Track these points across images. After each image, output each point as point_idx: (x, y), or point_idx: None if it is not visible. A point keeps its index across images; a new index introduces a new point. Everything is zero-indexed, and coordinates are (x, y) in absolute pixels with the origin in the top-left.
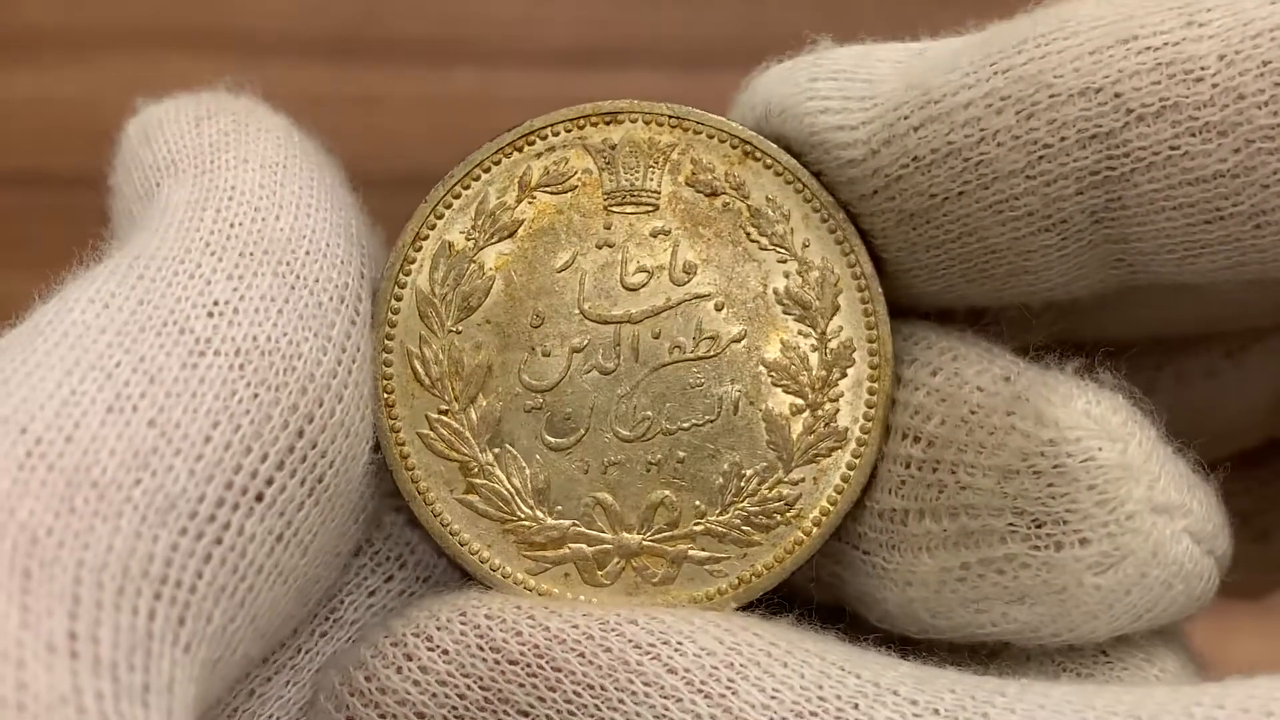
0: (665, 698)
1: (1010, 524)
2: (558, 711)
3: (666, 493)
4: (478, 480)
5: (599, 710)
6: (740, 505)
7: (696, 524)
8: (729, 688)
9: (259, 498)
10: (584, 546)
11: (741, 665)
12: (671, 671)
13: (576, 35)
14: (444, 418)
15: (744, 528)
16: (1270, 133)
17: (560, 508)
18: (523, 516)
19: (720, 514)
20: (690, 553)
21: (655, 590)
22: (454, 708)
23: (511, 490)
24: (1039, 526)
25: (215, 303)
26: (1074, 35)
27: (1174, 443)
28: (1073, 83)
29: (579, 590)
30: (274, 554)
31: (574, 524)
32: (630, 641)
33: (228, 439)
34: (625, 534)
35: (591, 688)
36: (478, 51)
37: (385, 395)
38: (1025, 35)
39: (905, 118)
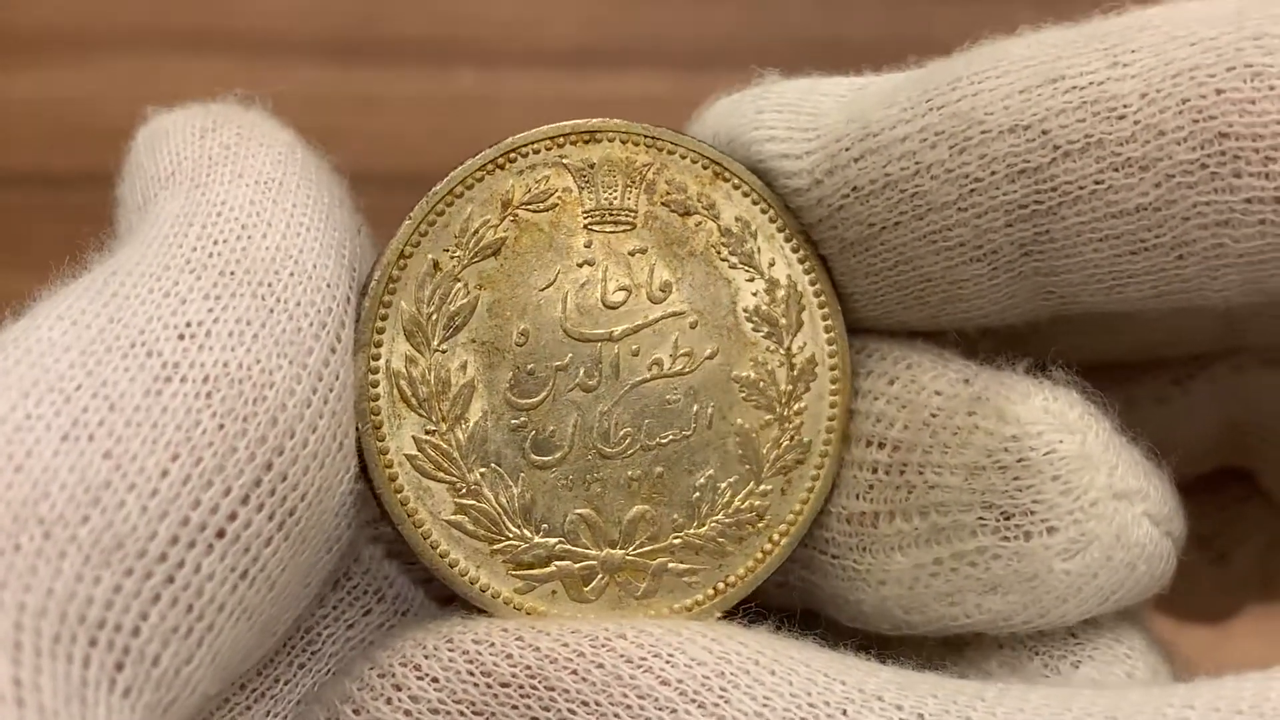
0: (660, 710)
1: (980, 518)
2: None
3: (646, 507)
4: (465, 501)
5: None
6: (715, 518)
7: (675, 537)
8: (721, 696)
9: (220, 534)
10: (570, 564)
11: (732, 674)
12: (665, 684)
13: (576, 35)
14: (431, 438)
15: (718, 539)
16: (1189, 167)
17: (546, 525)
18: (511, 536)
19: (697, 526)
20: (669, 565)
21: (638, 604)
22: None
23: (499, 510)
24: (1008, 518)
25: (188, 324)
26: (1005, 74)
27: (1126, 434)
28: (1003, 120)
29: (565, 608)
30: (237, 591)
31: (560, 541)
32: (622, 656)
33: (187, 473)
34: (609, 549)
35: (586, 704)
36: (478, 51)
37: (372, 418)
38: (960, 74)
39: (846, 149)
